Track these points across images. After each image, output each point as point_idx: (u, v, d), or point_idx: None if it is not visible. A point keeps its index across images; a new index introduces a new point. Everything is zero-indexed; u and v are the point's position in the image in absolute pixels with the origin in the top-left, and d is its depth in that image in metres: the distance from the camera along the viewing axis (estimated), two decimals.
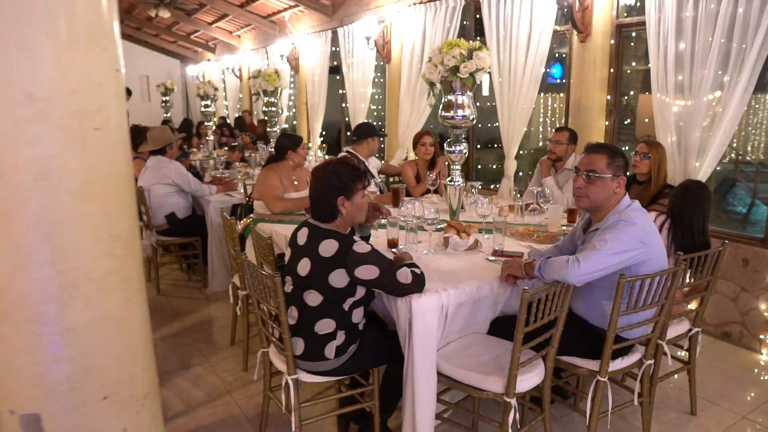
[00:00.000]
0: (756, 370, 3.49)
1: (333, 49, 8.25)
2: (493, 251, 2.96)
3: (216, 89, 8.16)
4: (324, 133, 9.21)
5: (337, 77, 8.57)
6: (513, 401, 2.21)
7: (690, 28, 3.73)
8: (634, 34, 4.65)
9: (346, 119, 8.46)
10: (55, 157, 1.25)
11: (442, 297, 2.35)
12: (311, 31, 8.68)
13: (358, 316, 2.39)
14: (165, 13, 9.16)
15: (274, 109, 6.01)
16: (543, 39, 4.73)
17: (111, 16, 1.34)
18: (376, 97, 8.50)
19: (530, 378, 2.31)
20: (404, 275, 2.30)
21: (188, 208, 5.01)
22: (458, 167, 3.60)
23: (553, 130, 4.33)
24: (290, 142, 4.15)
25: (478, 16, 5.56)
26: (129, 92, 11.12)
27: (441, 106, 3.49)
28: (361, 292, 2.33)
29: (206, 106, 8.48)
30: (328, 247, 2.28)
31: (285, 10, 8.96)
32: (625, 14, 4.47)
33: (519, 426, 2.42)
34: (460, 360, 2.39)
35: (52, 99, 1.25)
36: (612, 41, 4.45)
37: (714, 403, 3.08)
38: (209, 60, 13.92)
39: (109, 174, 1.36)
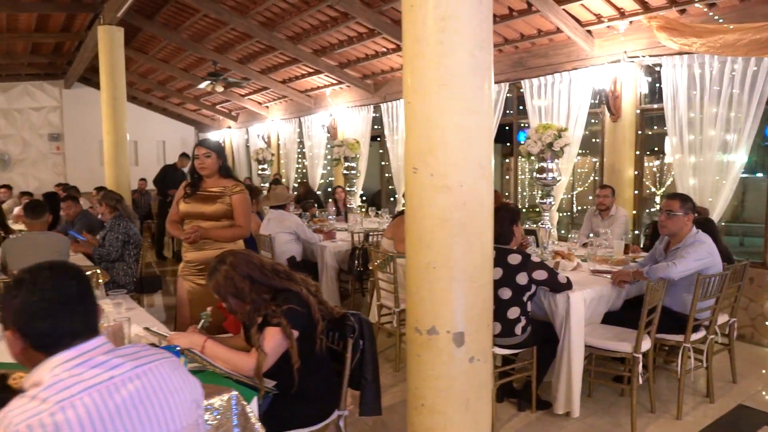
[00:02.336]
0: (766, 358, 4.86)
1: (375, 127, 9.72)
2: (591, 270, 4.28)
3: (273, 154, 9.46)
4: (364, 196, 10.54)
5: (380, 151, 10.01)
6: (639, 356, 3.47)
7: (698, 103, 5.32)
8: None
9: (390, 187, 9.86)
10: None
11: (585, 293, 3.64)
12: (351, 105, 10.11)
13: (530, 306, 3.64)
14: (219, 88, 10.47)
15: (354, 172, 7.33)
16: (579, 126, 6.30)
17: None
18: None
19: (645, 344, 3.58)
20: (562, 278, 3.58)
21: (302, 253, 6.18)
22: (547, 215, 4.94)
23: (599, 187, 5.77)
24: None
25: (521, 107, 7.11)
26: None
27: (535, 170, 4.85)
28: (533, 288, 3.58)
29: (263, 169, 9.74)
30: (514, 259, 3.54)
31: (327, 86, 10.42)
32: (647, 100, 6.05)
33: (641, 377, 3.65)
34: (598, 335, 3.65)
35: None
36: (636, 120, 6.02)
37: (744, 376, 4.39)
38: (229, 127, 15.22)
39: None
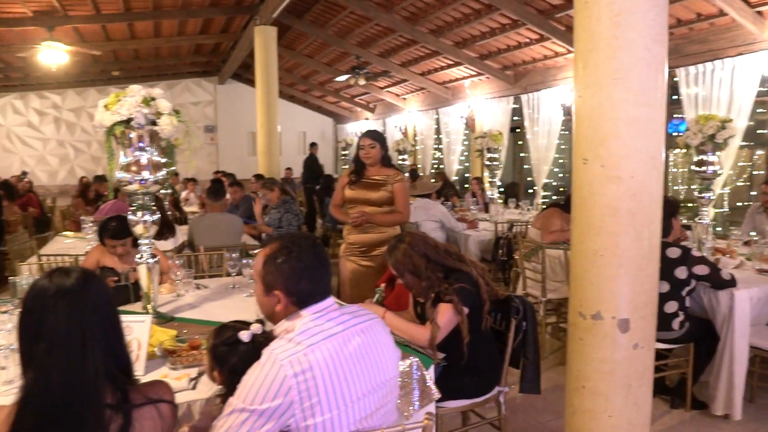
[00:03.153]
0: None
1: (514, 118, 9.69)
2: (757, 269, 4.06)
3: (413, 145, 9.76)
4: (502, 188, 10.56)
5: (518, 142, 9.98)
6: None
7: None
8: None
9: (528, 178, 9.79)
10: None
11: (751, 292, 3.48)
12: (490, 96, 10.14)
13: (689, 302, 3.55)
14: (361, 81, 10.97)
15: (495, 163, 7.41)
16: (742, 116, 5.87)
17: None
18: (560, 161, 9.76)
19: None
20: (725, 274, 3.46)
21: (444, 241, 6.38)
22: (706, 210, 4.73)
23: (764, 182, 5.39)
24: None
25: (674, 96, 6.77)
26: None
27: (693, 163, 4.65)
28: (693, 284, 3.49)
29: (402, 159, 10.08)
30: (673, 252, 3.47)
31: (466, 78, 10.53)
32: None
33: None
34: (765, 337, 3.49)
35: None
36: None
37: None
38: (367, 119, 15.81)
39: None
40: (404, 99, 13.44)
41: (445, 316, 2.50)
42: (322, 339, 1.55)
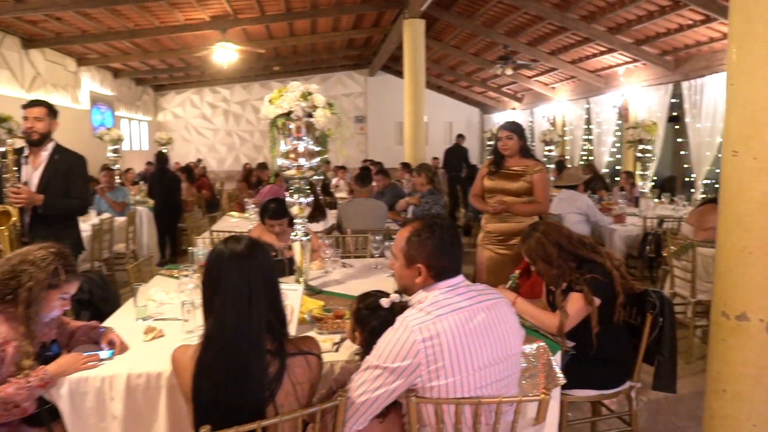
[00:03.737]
0: None
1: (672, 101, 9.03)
2: None
3: (560, 136, 9.51)
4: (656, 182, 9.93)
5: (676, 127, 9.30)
6: None
7: None
8: None
9: (684, 165, 9.12)
10: None
11: None
12: (646, 84, 9.55)
13: None
14: (508, 71, 10.86)
15: (648, 155, 7.02)
16: None
17: None
18: None
19: None
20: None
21: (589, 234, 6.21)
22: None
23: None
24: None
25: None
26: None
27: None
28: None
29: (549, 150, 9.86)
30: None
31: (620, 65, 10.01)
32: None
33: None
34: None
35: None
36: None
37: None
38: (514, 109, 15.58)
39: None
40: (553, 88, 13.06)
41: (576, 305, 2.53)
42: (450, 311, 1.72)
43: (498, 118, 16.24)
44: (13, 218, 3.44)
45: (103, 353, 2.18)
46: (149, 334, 2.43)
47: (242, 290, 1.62)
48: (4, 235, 3.44)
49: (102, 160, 11.62)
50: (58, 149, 3.78)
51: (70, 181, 3.75)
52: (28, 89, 9.76)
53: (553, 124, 13.05)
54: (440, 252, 1.81)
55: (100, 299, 3.04)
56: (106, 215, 6.32)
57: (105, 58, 11.88)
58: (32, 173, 3.69)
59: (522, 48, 11.01)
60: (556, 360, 2.39)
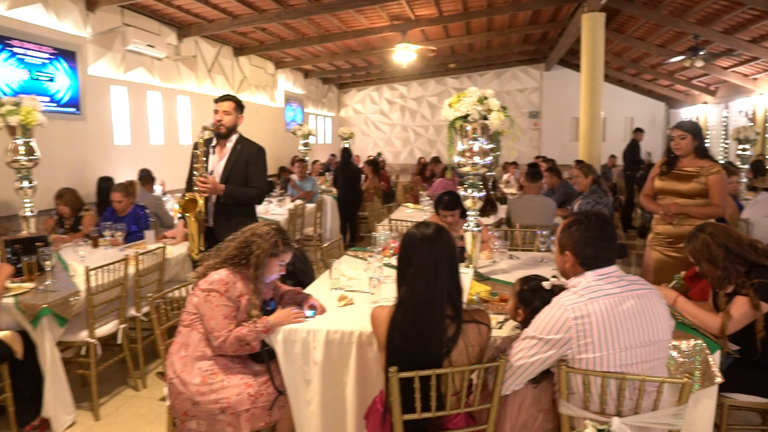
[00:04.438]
0: None
1: None
2: None
3: (758, 133, 8.66)
4: None
5: None
6: None
7: None
8: None
9: None
10: None
11: None
12: None
13: None
14: (698, 63, 10.12)
15: None
16: None
17: None
18: None
19: None
20: None
21: None
22: None
23: None
24: None
25: None
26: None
27: None
28: None
29: (743, 149, 9.05)
30: None
31: None
32: None
33: None
34: None
35: None
36: None
37: None
38: (705, 103, 14.35)
39: None
40: (754, 80, 11.83)
41: (740, 308, 2.53)
42: (601, 296, 1.94)
43: (686, 113, 15.06)
44: (199, 205, 3.78)
45: (308, 312, 2.71)
46: (342, 301, 2.93)
47: (430, 265, 1.99)
48: (192, 221, 3.78)
49: (293, 152, 12.98)
50: (241, 140, 4.04)
51: (249, 171, 3.98)
52: (237, 90, 11.26)
53: (752, 119, 11.83)
54: (585, 243, 2.03)
55: (300, 271, 3.64)
56: (299, 202, 7.20)
57: (298, 61, 13.22)
58: (217, 163, 3.98)
59: (716, 37, 10.16)
60: (715, 359, 2.44)
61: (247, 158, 3.98)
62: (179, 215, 3.89)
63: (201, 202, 3.80)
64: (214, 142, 4.00)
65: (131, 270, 3.85)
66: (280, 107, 13.46)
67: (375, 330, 2.14)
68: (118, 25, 7.77)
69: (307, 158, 9.77)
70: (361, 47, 12.60)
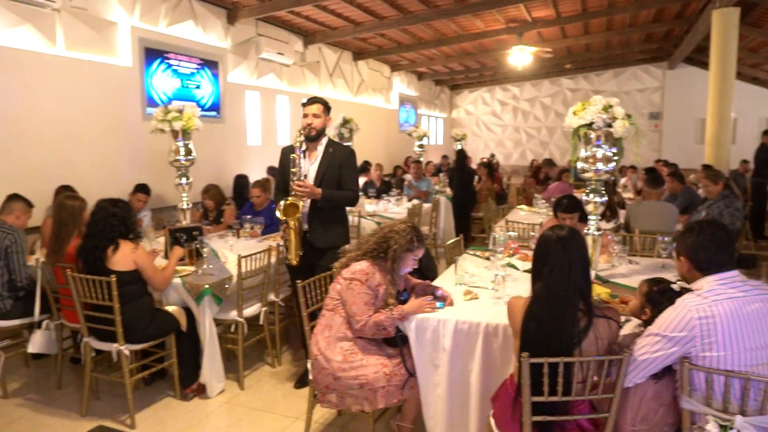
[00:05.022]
0: None
1: None
2: None
3: None
4: None
5: None
6: None
7: None
8: None
9: None
10: None
11: None
12: None
13: None
14: None
15: None
16: None
17: None
18: None
19: None
20: None
21: None
22: None
23: None
24: None
25: None
26: None
27: None
28: None
29: None
30: None
31: None
32: None
33: None
34: None
35: None
36: None
37: None
38: None
39: None
40: None
41: None
42: (725, 298, 2.07)
43: None
44: (299, 210, 3.72)
45: (438, 304, 2.97)
46: (467, 295, 3.17)
47: (564, 263, 2.21)
48: (291, 225, 3.73)
49: (406, 153, 13.37)
50: (331, 143, 3.99)
51: (343, 174, 3.90)
52: (355, 93, 11.81)
53: None
54: (698, 248, 2.19)
55: (425, 266, 3.91)
56: (416, 201, 7.51)
57: (413, 64, 13.58)
58: (309, 167, 3.91)
59: None
60: None
61: (341, 161, 3.91)
62: (281, 220, 3.76)
63: (301, 206, 3.76)
64: (304, 146, 3.89)
65: (273, 259, 4.31)
66: (394, 109, 13.90)
67: (511, 318, 2.37)
68: (253, 36, 8.48)
69: (422, 159, 10.08)
70: (475, 50, 12.73)
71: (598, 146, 3.34)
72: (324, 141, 3.96)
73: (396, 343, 2.95)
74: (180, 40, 7.11)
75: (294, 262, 3.82)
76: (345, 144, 4.10)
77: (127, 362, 3.57)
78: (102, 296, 3.46)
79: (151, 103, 6.68)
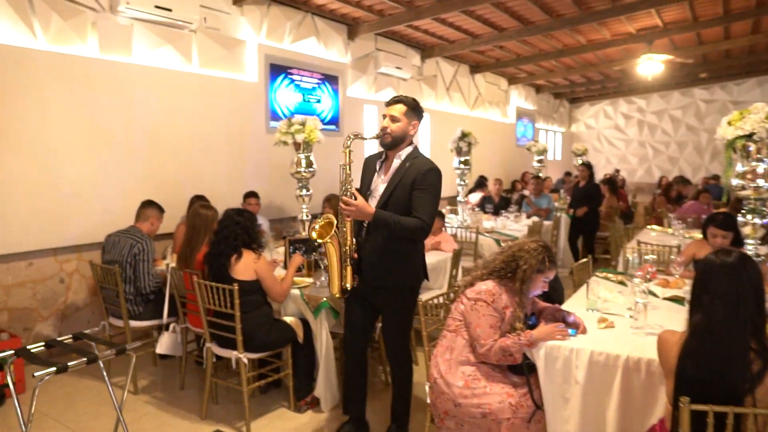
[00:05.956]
0: None
1: None
2: None
3: None
4: None
5: None
6: None
7: None
8: None
9: None
10: None
11: None
12: None
13: None
14: None
15: None
16: None
17: None
18: None
19: None
20: None
21: None
22: None
23: None
24: None
25: None
26: None
27: None
28: None
29: None
30: None
31: None
32: None
33: None
34: None
35: None
36: None
37: None
38: None
39: None
40: None
41: None
42: None
43: None
44: (336, 230, 3.00)
45: (570, 331, 2.72)
46: (602, 323, 2.88)
47: (730, 293, 1.89)
48: (330, 250, 3.02)
49: (522, 168, 12.95)
50: (413, 155, 3.14)
51: (414, 196, 3.01)
52: (471, 107, 11.63)
53: None
54: None
55: (551, 288, 3.64)
56: (536, 218, 7.18)
57: (531, 77, 13.16)
58: (380, 182, 3.18)
59: None
60: None
61: (414, 179, 3.01)
62: (316, 241, 3.05)
63: (344, 226, 3.01)
64: (383, 156, 3.23)
65: None
66: (511, 123, 13.54)
67: (662, 355, 2.08)
68: (372, 51, 8.58)
69: (541, 174, 9.68)
70: (599, 60, 12.09)
71: (760, 160, 2.93)
72: (404, 153, 3.12)
73: (522, 371, 2.73)
74: (302, 56, 7.32)
75: (337, 295, 3.09)
76: (427, 158, 3.14)
77: (245, 370, 3.61)
78: (224, 304, 3.53)
79: (275, 116, 6.91)
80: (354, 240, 3.05)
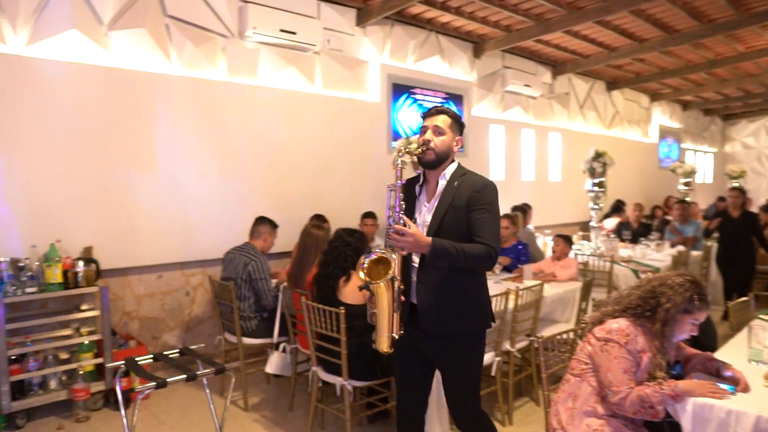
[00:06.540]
0: None
1: None
2: None
3: None
4: None
5: None
6: None
7: None
8: None
9: None
10: None
11: None
12: None
13: None
14: None
15: None
16: None
17: None
18: None
19: None
20: None
21: None
22: None
23: None
24: None
25: None
26: None
27: None
28: None
29: None
30: None
31: None
32: None
33: None
34: None
35: None
36: None
37: None
38: None
39: None
40: None
41: None
42: None
43: None
44: (390, 271, 2.32)
45: (728, 387, 2.21)
46: None
47: None
48: (381, 291, 2.34)
49: (666, 192, 11.82)
50: (460, 173, 2.61)
51: (472, 219, 2.50)
52: (608, 126, 10.83)
53: None
54: None
55: (702, 331, 3.09)
56: (681, 248, 6.37)
57: (677, 92, 12.03)
58: (424, 206, 2.62)
59: None
60: None
61: (469, 198, 2.51)
62: (363, 284, 2.40)
63: (395, 263, 2.35)
64: (422, 177, 2.68)
65: (510, 304, 3.86)
66: (653, 143, 12.45)
67: None
68: (499, 68, 8.25)
69: (688, 199, 8.71)
70: (760, 70, 10.76)
71: None
72: (448, 171, 2.59)
73: (662, 429, 2.26)
74: (426, 75, 7.17)
75: (385, 350, 2.42)
76: (477, 174, 2.65)
77: (349, 398, 3.42)
78: (330, 327, 3.38)
79: (396, 136, 6.81)
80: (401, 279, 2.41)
